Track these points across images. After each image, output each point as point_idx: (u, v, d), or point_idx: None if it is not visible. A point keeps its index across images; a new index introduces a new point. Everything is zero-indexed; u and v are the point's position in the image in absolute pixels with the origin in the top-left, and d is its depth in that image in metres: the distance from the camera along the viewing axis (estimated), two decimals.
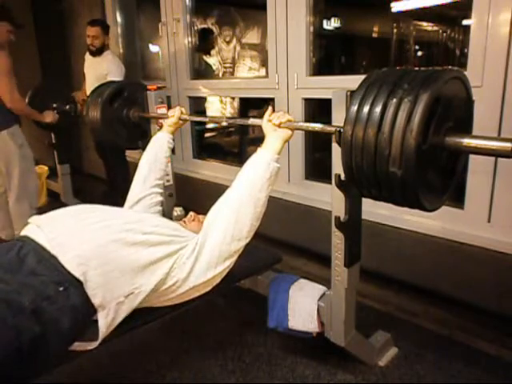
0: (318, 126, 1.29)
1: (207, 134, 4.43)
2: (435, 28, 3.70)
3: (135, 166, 1.73)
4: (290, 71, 2.28)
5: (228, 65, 4.83)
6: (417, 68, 0.98)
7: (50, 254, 1.10)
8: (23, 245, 1.13)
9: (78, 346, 1.13)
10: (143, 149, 1.80)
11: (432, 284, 1.84)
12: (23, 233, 1.22)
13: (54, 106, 3.09)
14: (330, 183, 1.29)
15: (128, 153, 3.54)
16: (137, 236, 1.19)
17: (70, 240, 1.13)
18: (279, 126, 1.31)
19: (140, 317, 1.21)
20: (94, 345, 1.13)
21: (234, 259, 1.27)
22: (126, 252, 1.15)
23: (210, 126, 4.33)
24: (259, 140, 1.33)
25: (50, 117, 2.90)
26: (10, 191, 2.52)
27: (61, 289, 1.03)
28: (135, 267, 1.16)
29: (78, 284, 1.07)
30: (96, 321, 1.11)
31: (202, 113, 3.74)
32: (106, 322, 1.11)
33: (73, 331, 1.07)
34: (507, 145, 0.89)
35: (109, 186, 3.63)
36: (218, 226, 1.23)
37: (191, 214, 1.61)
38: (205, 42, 3.82)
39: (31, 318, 0.96)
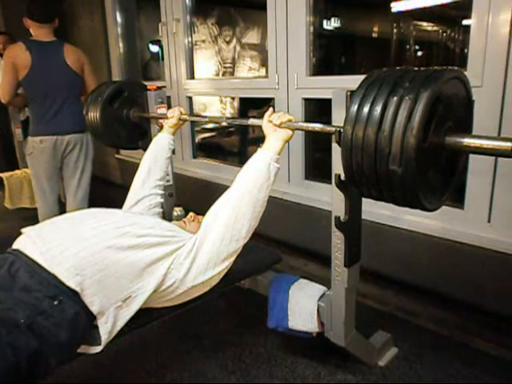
0: (318, 126, 1.28)
1: (207, 134, 4.43)
2: (435, 28, 3.70)
3: (136, 166, 1.73)
4: (290, 71, 2.28)
5: (228, 65, 4.83)
6: (417, 68, 0.98)
7: (42, 268, 1.08)
8: (14, 260, 1.11)
9: (82, 349, 1.13)
10: (143, 149, 1.80)
11: (432, 284, 1.84)
12: (15, 246, 1.20)
13: None
14: (330, 183, 1.29)
15: (128, 153, 3.54)
16: (131, 239, 1.18)
17: (63, 251, 1.11)
18: (280, 126, 1.31)
19: (140, 317, 1.20)
20: (97, 349, 1.12)
21: (232, 259, 1.26)
22: (121, 256, 1.14)
23: (209, 126, 4.33)
24: (259, 140, 1.33)
25: None
26: (79, 189, 2.61)
27: (55, 303, 1.02)
28: (132, 271, 1.15)
29: (73, 295, 1.06)
30: (97, 326, 1.11)
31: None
32: (106, 327, 1.11)
33: (72, 342, 1.07)
34: (507, 144, 0.89)
35: None
36: (216, 226, 1.22)
37: (191, 214, 1.61)
38: None
39: (27, 334, 0.95)
